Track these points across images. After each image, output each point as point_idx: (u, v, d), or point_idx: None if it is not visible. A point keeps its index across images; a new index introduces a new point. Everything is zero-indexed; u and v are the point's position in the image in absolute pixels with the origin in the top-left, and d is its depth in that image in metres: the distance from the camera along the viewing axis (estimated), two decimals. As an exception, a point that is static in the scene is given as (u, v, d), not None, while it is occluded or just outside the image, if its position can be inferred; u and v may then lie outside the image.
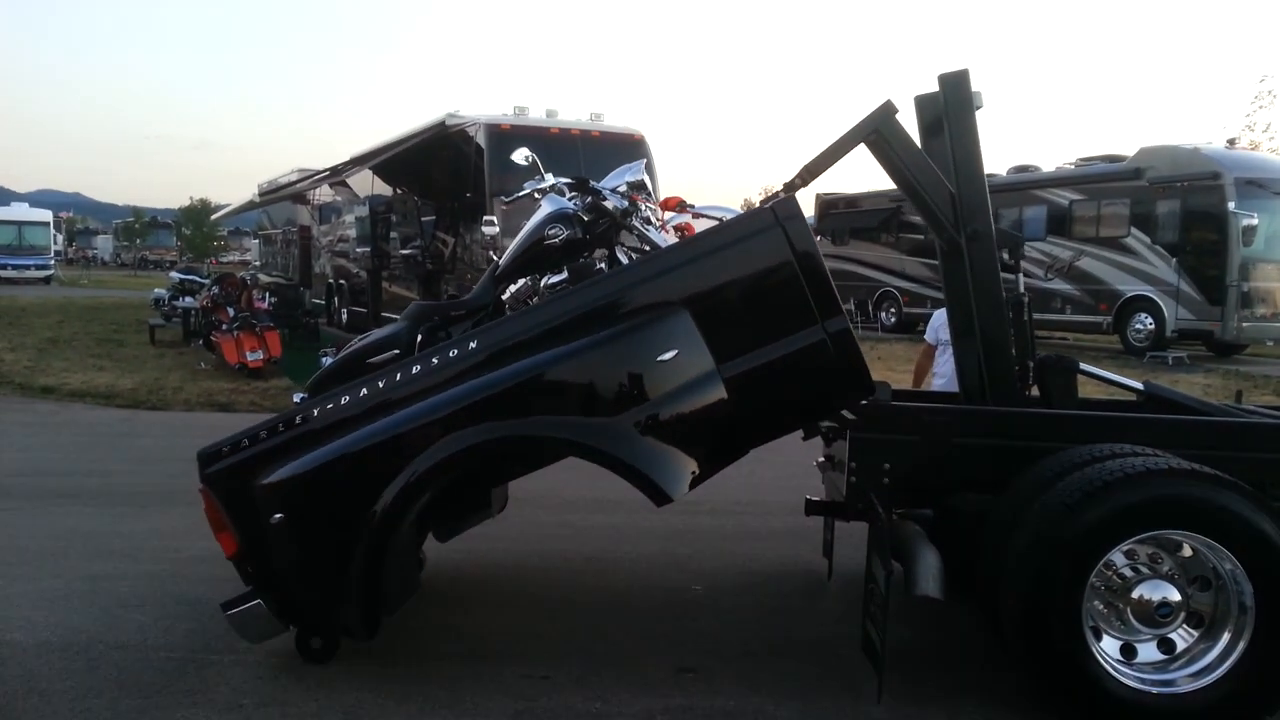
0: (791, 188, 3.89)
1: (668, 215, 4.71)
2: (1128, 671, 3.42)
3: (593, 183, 4.64)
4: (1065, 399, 4.54)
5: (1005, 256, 4.57)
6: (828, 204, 25.19)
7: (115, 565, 5.10)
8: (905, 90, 4.30)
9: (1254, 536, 3.29)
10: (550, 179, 4.70)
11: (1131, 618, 3.45)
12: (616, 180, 4.62)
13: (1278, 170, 17.81)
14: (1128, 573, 3.47)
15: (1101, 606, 3.48)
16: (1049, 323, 18.29)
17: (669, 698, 3.66)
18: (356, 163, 17.39)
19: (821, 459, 4.75)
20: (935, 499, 3.98)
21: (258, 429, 3.76)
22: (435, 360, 3.68)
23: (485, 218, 12.57)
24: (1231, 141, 21.90)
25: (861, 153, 4.16)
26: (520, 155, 4.79)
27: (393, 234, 16.88)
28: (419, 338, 4.36)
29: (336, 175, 18.90)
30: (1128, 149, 18.81)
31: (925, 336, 6.97)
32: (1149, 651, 3.48)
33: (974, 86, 4.28)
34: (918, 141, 4.29)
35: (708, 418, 3.54)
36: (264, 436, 3.72)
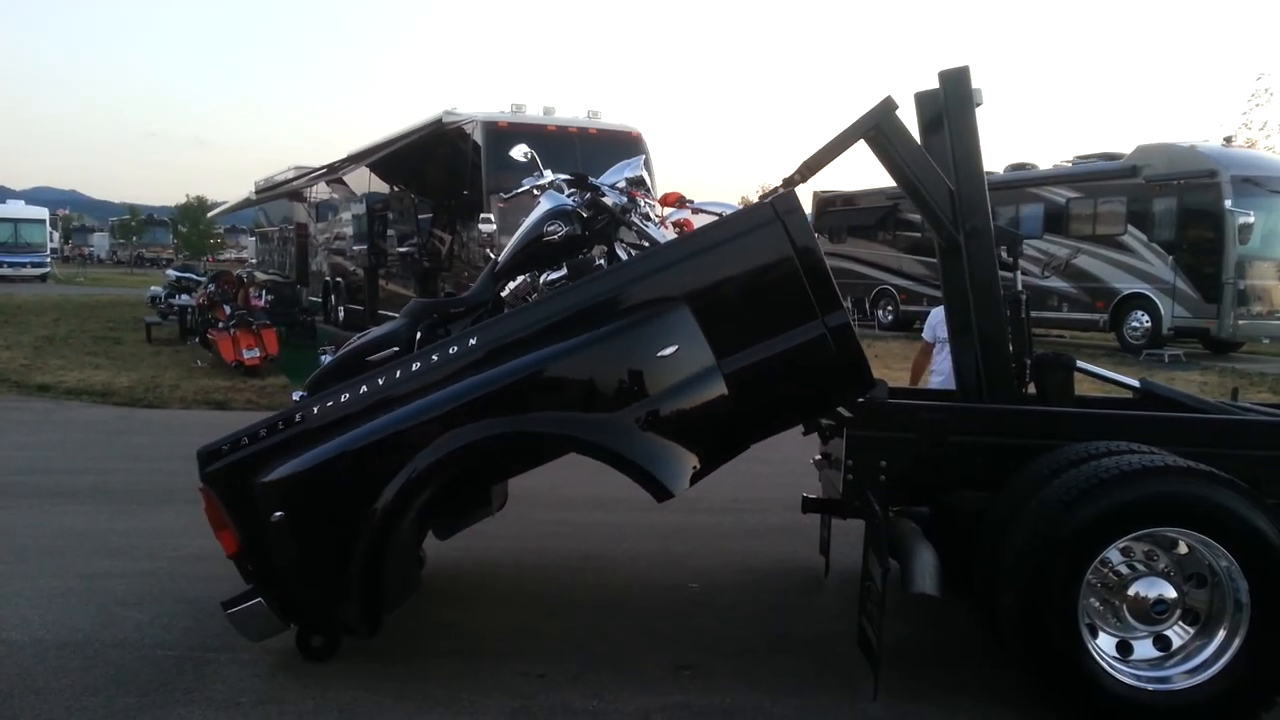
0: (791, 183, 3.89)
1: (667, 211, 4.71)
2: (1124, 668, 3.43)
3: (591, 179, 4.64)
4: (1062, 397, 4.55)
5: (1004, 254, 4.58)
6: (825, 202, 25.20)
7: (112, 563, 5.10)
8: (904, 87, 4.30)
9: (1249, 534, 3.29)
10: (549, 175, 4.70)
11: (1128, 615, 3.46)
12: (615, 176, 4.62)
13: (1274, 168, 17.84)
14: (1124, 570, 3.47)
15: (1098, 604, 3.49)
16: (1046, 320, 18.33)
17: (667, 695, 3.67)
18: (353, 160, 17.37)
19: (818, 456, 4.75)
20: (932, 496, 3.99)
21: (257, 427, 3.76)
22: (435, 357, 3.68)
23: (482, 215, 12.56)
24: (1228, 139, 21.95)
25: (860, 149, 4.16)
26: (519, 152, 4.79)
27: (390, 231, 16.87)
28: (418, 335, 4.36)
29: (333, 173, 18.89)
30: (1124, 147, 18.88)
31: (923, 334, 6.97)
32: (1145, 648, 3.49)
33: (974, 84, 4.28)
34: (917, 138, 4.29)
35: (708, 413, 3.54)
36: (264, 435, 3.71)
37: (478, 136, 13.79)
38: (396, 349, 4.30)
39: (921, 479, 3.96)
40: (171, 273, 19.69)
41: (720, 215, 4.11)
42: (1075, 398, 4.67)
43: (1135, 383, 4.77)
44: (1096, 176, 18.73)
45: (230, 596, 3.78)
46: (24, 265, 37.64)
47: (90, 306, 22.77)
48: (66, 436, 8.96)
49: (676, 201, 4.73)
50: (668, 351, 3.50)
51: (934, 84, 4.36)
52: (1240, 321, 16.66)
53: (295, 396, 4.29)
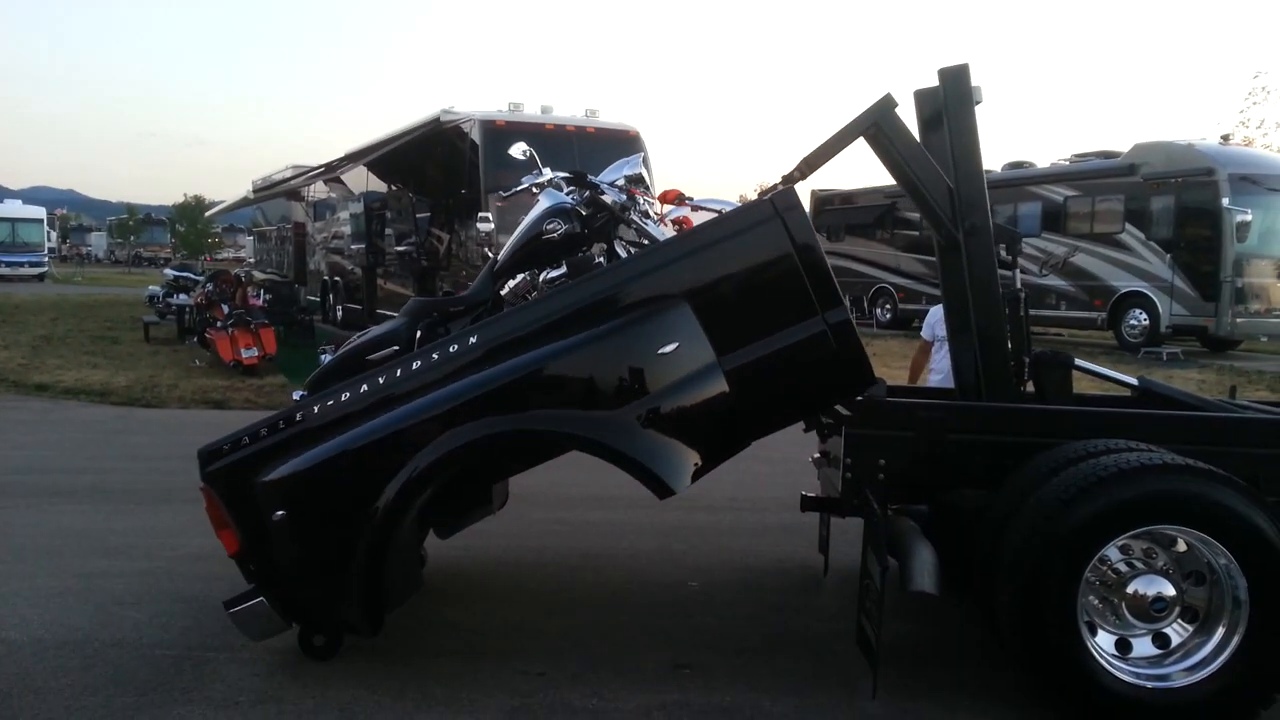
0: (790, 180, 3.89)
1: (666, 209, 4.71)
2: (1123, 666, 3.43)
3: (590, 177, 4.64)
4: (1060, 395, 4.55)
5: (1003, 252, 4.58)
6: (823, 200, 25.20)
7: (110, 563, 5.09)
8: (903, 85, 4.30)
9: (1248, 531, 3.30)
10: (548, 173, 4.70)
11: (1126, 613, 3.46)
12: (614, 174, 4.62)
13: (1272, 166, 17.85)
14: (1122, 568, 3.47)
15: (1096, 602, 3.49)
16: (1044, 319, 18.34)
17: (665, 694, 3.67)
18: (351, 159, 17.35)
19: (817, 455, 4.75)
20: (931, 495, 3.99)
21: (258, 426, 3.75)
22: (435, 356, 3.68)
23: (480, 214, 12.56)
24: (1226, 137, 21.94)
25: (859, 147, 4.16)
26: (518, 150, 4.78)
27: (388, 230, 16.86)
28: (418, 334, 4.36)
29: (331, 172, 18.87)
30: (1122, 145, 18.88)
31: (921, 333, 6.98)
32: (1144, 646, 3.49)
33: (973, 81, 4.27)
34: (917, 136, 4.29)
35: (709, 410, 3.54)
36: (264, 434, 3.71)
37: (476, 135, 13.78)
38: (396, 348, 4.30)
39: (920, 477, 3.96)
40: (169, 272, 19.67)
41: (720, 212, 4.10)
42: (1073, 396, 4.68)
43: (1133, 381, 4.77)
44: (1094, 175, 18.74)
45: (231, 596, 3.78)
46: (21, 265, 37.60)
47: (88, 306, 22.75)
48: (64, 436, 8.96)
49: (676, 199, 4.73)
50: (668, 349, 3.50)
51: (933, 82, 4.35)
52: (1238, 319, 16.67)
53: (295, 396, 4.29)
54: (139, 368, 13.05)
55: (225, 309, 13.98)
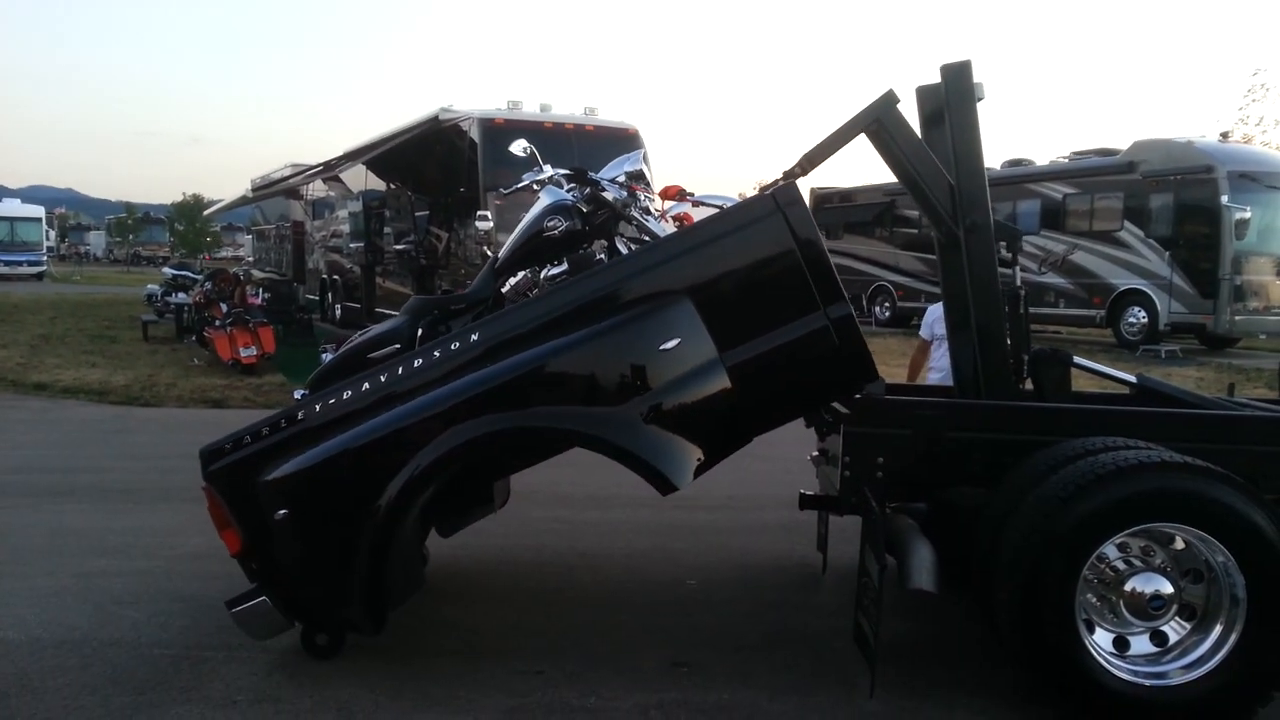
0: (791, 175, 3.88)
1: (667, 205, 4.70)
2: (1121, 664, 3.43)
3: (591, 174, 4.63)
4: (1059, 392, 4.55)
5: (1003, 250, 4.57)
6: (822, 198, 25.18)
7: (108, 562, 5.09)
8: (904, 82, 4.29)
9: (1246, 529, 3.29)
10: (548, 170, 4.69)
11: (1124, 610, 3.46)
12: (615, 171, 4.61)
13: (1271, 164, 17.84)
14: (1120, 566, 3.47)
15: (1094, 599, 3.49)
16: (1042, 316, 18.33)
17: (663, 692, 3.67)
18: (350, 158, 17.34)
19: (815, 453, 4.75)
20: (929, 493, 3.99)
21: (259, 425, 3.75)
22: (437, 354, 3.67)
23: (479, 212, 12.54)
24: (1225, 135, 21.98)
25: (860, 145, 4.15)
26: (518, 147, 4.77)
27: (386, 229, 16.85)
28: (419, 332, 4.35)
29: (330, 170, 18.85)
30: (1121, 142, 18.87)
31: (920, 332, 6.97)
32: (1142, 644, 3.49)
33: (975, 78, 4.27)
34: (918, 132, 4.28)
35: (711, 406, 3.54)
36: (266, 433, 3.71)
37: (474, 133, 13.77)
38: (398, 346, 4.30)
39: (919, 475, 3.96)
40: (168, 271, 19.66)
41: (721, 208, 4.10)
42: (1072, 394, 4.67)
43: (1132, 378, 4.77)
44: (1093, 172, 18.73)
45: (234, 595, 3.77)
46: (20, 264, 37.57)
47: (86, 305, 22.74)
48: (63, 435, 8.95)
49: (677, 195, 4.73)
50: (670, 345, 3.49)
51: (935, 78, 4.34)
52: (1237, 317, 16.67)
53: (297, 395, 4.28)
54: (137, 367, 13.04)
55: (224, 308, 13.98)
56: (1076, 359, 4.64)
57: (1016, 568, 3.38)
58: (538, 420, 3.51)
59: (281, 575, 3.69)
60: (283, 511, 3.57)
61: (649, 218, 4.53)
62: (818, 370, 3.72)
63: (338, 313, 20.09)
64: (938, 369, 6.48)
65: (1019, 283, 4.75)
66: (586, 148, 13.05)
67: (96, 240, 70.63)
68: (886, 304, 23.28)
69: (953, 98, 4.27)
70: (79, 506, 6.27)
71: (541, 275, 4.48)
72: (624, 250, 4.41)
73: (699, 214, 4.48)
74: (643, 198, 4.58)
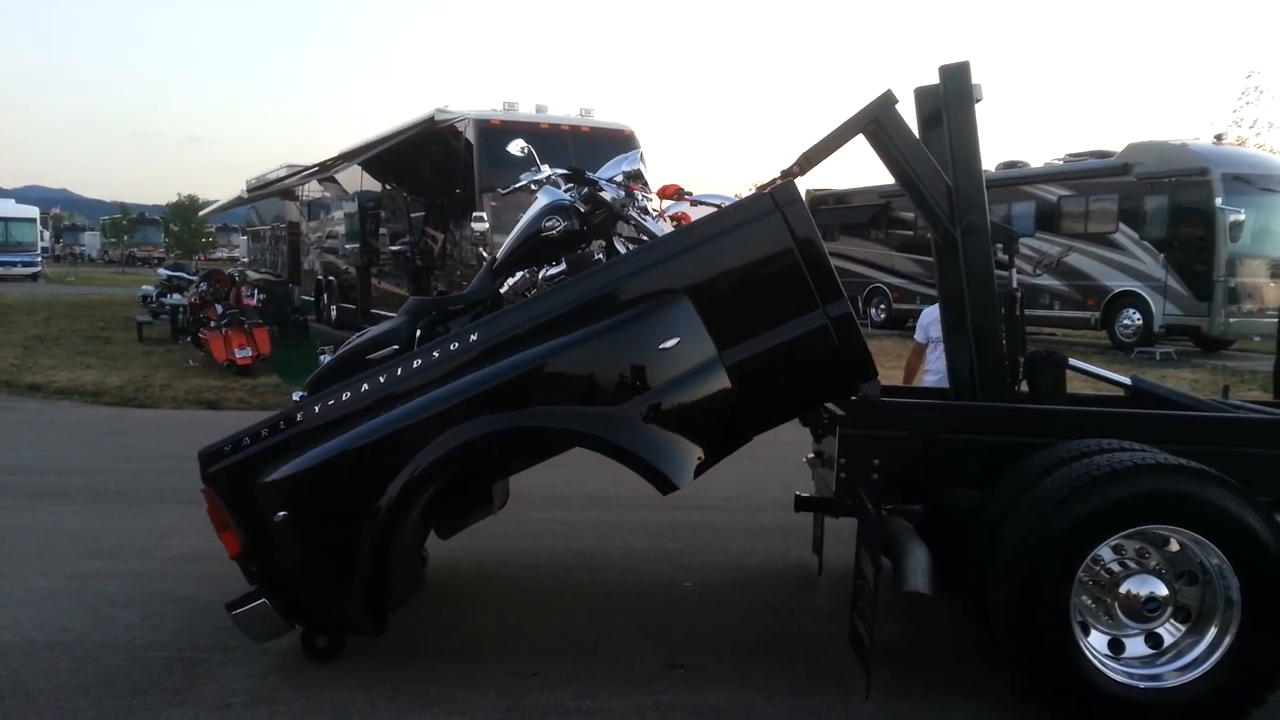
0: (789, 175, 3.88)
1: (666, 204, 4.70)
2: (1115, 666, 3.43)
3: (589, 174, 4.63)
4: (1054, 394, 4.55)
5: (999, 252, 4.58)
6: (817, 200, 25.20)
7: (102, 564, 5.08)
8: (899, 83, 4.28)
9: (1240, 531, 3.30)
10: (546, 170, 4.68)
11: (1119, 613, 3.46)
12: (613, 170, 4.61)
13: (1265, 166, 17.90)
14: (1115, 568, 3.48)
15: (1089, 601, 3.50)
16: (1037, 318, 18.36)
17: (659, 694, 3.66)
18: (345, 158, 17.33)
19: (811, 455, 4.75)
20: (924, 494, 3.99)
21: (259, 427, 3.74)
22: (436, 354, 3.67)
23: (475, 213, 12.54)
24: (1219, 137, 22.00)
25: (856, 145, 4.15)
26: (516, 147, 4.77)
27: (382, 230, 16.83)
28: (418, 333, 4.35)
29: (325, 171, 18.83)
30: (1116, 145, 18.90)
31: (915, 336, 6.98)
32: (1137, 646, 3.49)
33: (973, 79, 4.27)
34: (916, 133, 4.28)
35: (711, 405, 3.54)
36: (265, 435, 3.70)
37: (470, 134, 13.77)
38: (396, 347, 4.30)
39: (914, 477, 3.96)
40: (163, 272, 19.63)
41: (719, 207, 4.10)
42: (1067, 395, 4.68)
43: (1127, 380, 4.78)
44: (1088, 174, 18.77)
45: (233, 598, 3.76)
46: (14, 264, 37.49)
47: (81, 306, 22.69)
48: (57, 436, 8.94)
49: (675, 194, 4.73)
50: (669, 344, 3.49)
51: (933, 79, 4.35)
52: (1231, 319, 16.71)
53: (296, 396, 4.28)
54: (132, 368, 13.01)
55: (219, 309, 13.96)
56: (1072, 361, 4.65)
57: (1012, 570, 3.38)
58: (537, 420, 3.50)
59: (281, 577, 3.68)
60: (282, 513, 3.56)
61: (647, 217, 4.52)
62: (817, 369, 3.72)
63: (333, 314, 20.07)
64: (934, 371, 6.48)
65: (1015, 285, 4.76)
66: (582, 149, 13.05)
67: (91, 241, 70.50)
68: (882, 306, 23.31)
69: (951, 99, 4.28)
70: (73, 508, 6.26)
71: (540, 275, 4.47)
72: (622, 250, 4.40)
73: (697, 213, 4.48)
74: (641, 197, 4.58)
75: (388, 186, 17.12)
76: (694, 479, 3.50)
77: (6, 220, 39.01)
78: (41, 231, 44.84)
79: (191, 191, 74.30)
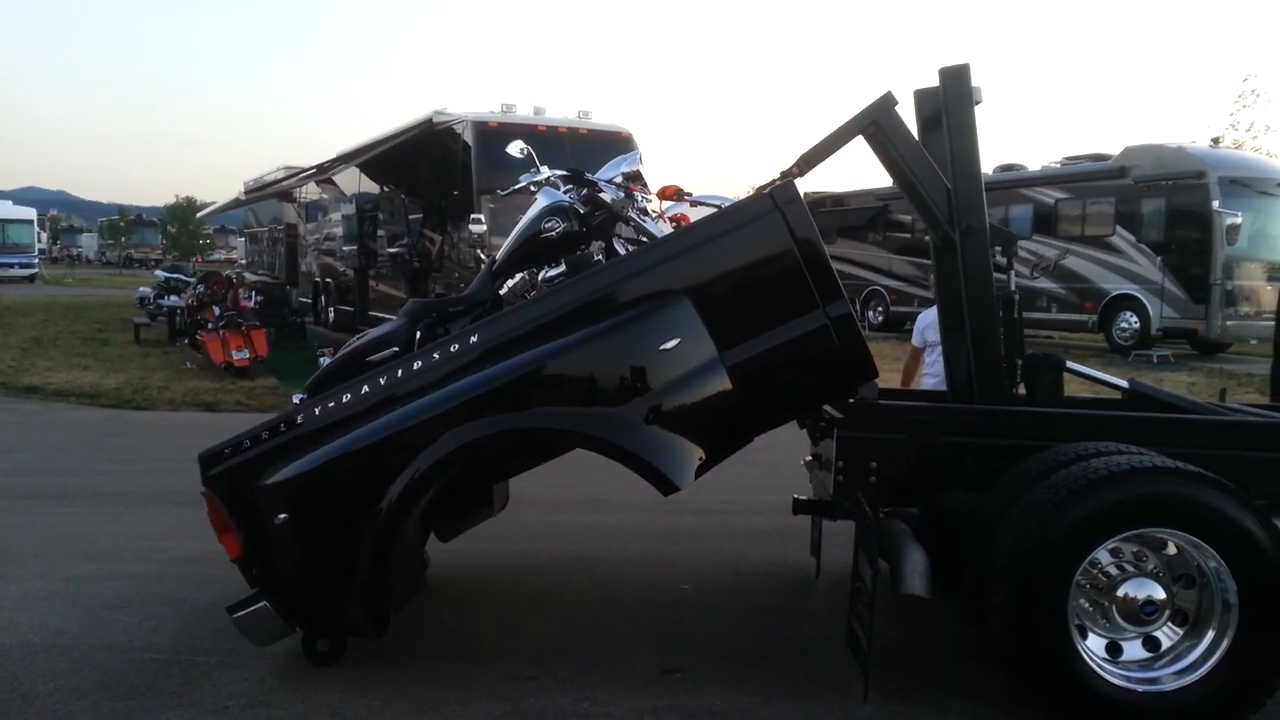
0: (789, 176, 3.88)
1: (665, 205, 4.70)
2: (1113, 669, 3.43)
3: (588, 175, 4.63)
4: (1051, 397, 4.56)
5: (998, 255, 4.58)
6: (815, 203, 25.21)
7: (100, 566, 5.07)
8: (899, 84, 4.28)
9: (1238, 534, 3.30)
10: (545, 171, 4.68)
11: (1117, 616, 3.47)
12: (612, 172, 4.61)
13: (1262, 169, 17.93)
14: (1113, 571, 3.48)
15: (1087, 605, 3.50)
16: (1035, 321, 18.37)
17: (656, 698, 3.66)
18: (343, 160, 17.31)
19: (809, 458, 4.75)
20: (922, 497, 3.99)
21: (259, 430, 3.73)
22: (436, 356, 3.66)
23: (473, 216, 12.53)
24: (1216, 140, 22.05)
25: (854, 147, 4.15)
26: (515, 148, 4.77)
27: (380, 232, 16.81)
28: (418, 334, 4.35)
29: (323, 173, 18.81)
30: (1113, 148, 18.93)
31: (912, 340, 6.98)
32: (1134, 649, 3.49)
33: (973, 82, 4.27)
34: (916, 135, 4.28)
35: (712, 405, 3.54)
36: (265, 437, 3.69)
37: (468, 136, 13.76)
38: (396, 349, 4.29)
39: (912, 480, 3.96)
40: (160, 273, 19.62)
41: (719, 207, 4.10)
42: (1064, 398, 4.69)
43: (1124, 383, 4.79)
44: (1085, 177, 18.79)
45: (234, 601, 3.75)
46: (11, 266, 37.45)
47: (78, 307, 22.66)
48: (54, 438, 8.92)
49: (674, 195, 4.73)
50: (670, 345, 3.49)
51: (931, 82, 4.35)
52: (1228, 322, 16.73)
53: (296, 399, 4.27)
54: (129, 370, 13.00)
55: (216, 311, 13.95)
56: (1069, 364, 4.66)
57: (1009, 573, 3.38)
58: (538, 422, 3.50)
59: (282, 580, 3.67)
60: (283, 516, 3.55)
61: (646, 218, 4.52)
62: (818, 369, 3.72)
63: (331, 316, 20.05)
64: (932, 375, 6.48)
65: (1013, 287, 4.76)
66: (580, 151, 13.04)
67: (89, 242, 70.44)
68: (880, 308, 23.32)
69: (951, 101, 4.28)
70: (70, 510, 6.25)
71: (540, 277, 4.47)
72: (622, 251, 4.40)
73: (696, 214, 4.48)
74: (640, 198, 4.58)
75: (385, 188, 17.10)
76: (695, 479, 3.50)
77: (4, 222, 38.99)
78: (39, 233, 44.80)
79: (189, 193, 74.28)
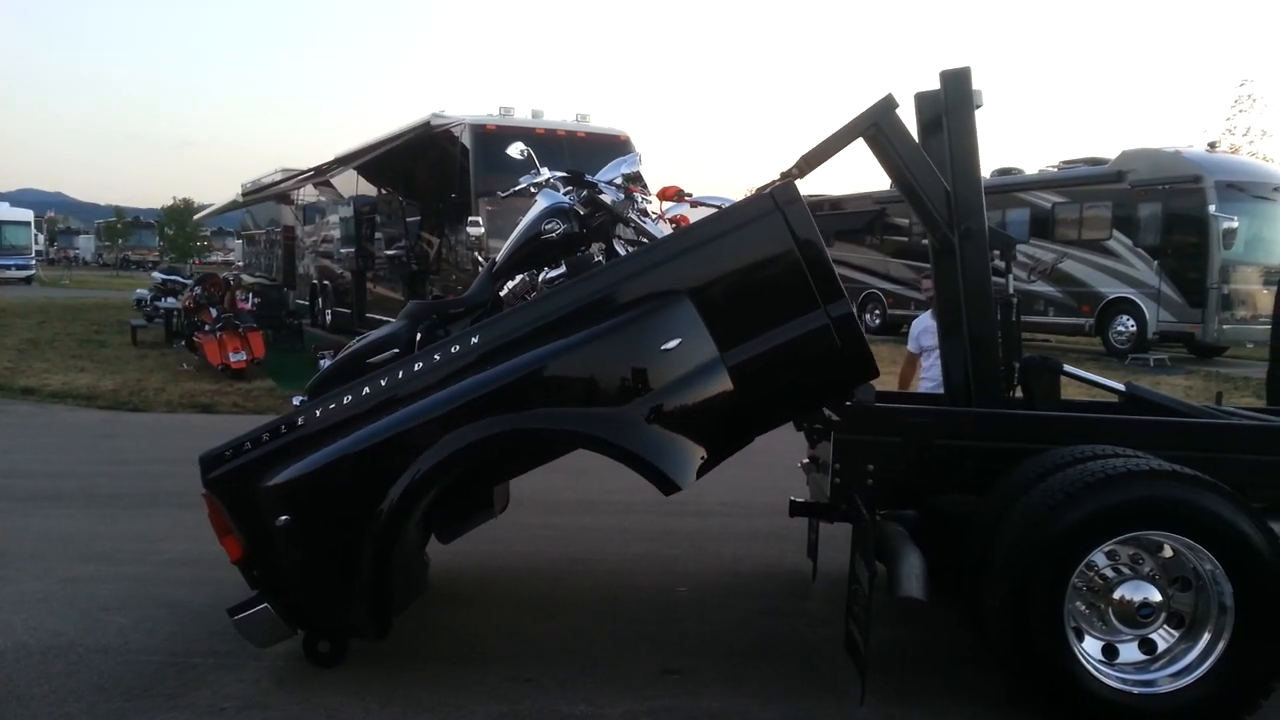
0: (789, 177, 3.89)
1: (665, 206, 4.70)
2: (1109, 672, 3.44)
3: (588, 176, 4.63)
4: (1048, 400, 4.57)
5: (997, 258, 4.59)
6: (812, 206, 25.15)
7: (96, 567, 5.06)
8: (899, 87, 4.29)
9: (1234, 537, 3.31)
10: (545, 173, 4.68)
11: (1113, 618, 3.47)
12: (612, 173, 4.61)
13: (1258, 174, 17.96)
14: (1109, 573, 3.49)
15: (1083, 607, 3.50)
16: (1032, 324, 18.37)
17: (654, 699, 3.66)
18: (341, 163, 17.31)
19: (806, 460, 4.75)
20: (919, 500, 3.99)
21: (259, 432, 3.73)
22: (437, 357, 3.66)
23: (470, 218, 12.53)
24: (1212, 145, 22.11)
25: (854, 149, 4.15)
26: (515, 149, 4.77)
27: (377, 234, 16.81)
28: (418, 336, 4.35)
29: (320, 175, 18.81)
30: (1110, 152, 18.96)
31: (907, 345, 6.99)
32: (1130, 652, 3.50)
33: (974, 85, 4.28)
34: (916, 138, 4.29)
35: (713, 405, 3.54)
36: (266, 439, 3.69)
37: (466, 139, 13.76)
38: (397, 350, 4.29)
39: (909, 482, 3.97)
40: (157, 275, 19.59)
41: (719, 208, 4.10)
42: (1062, 401, 4.69)
43: (1121, 387, 4.80)
44: (1082, 181, 18.82)
45: (235, 603, 3.75)
46: (8, 268, 37.41)
47: (75, 309, 22.63)
48: (51, 440, 8.91)
49: (675, 195, 4.73)
50: (671, 345, 3.49)
51: (932, 85, 4.36)
52: (1225, 326, 16.75)
53: (296, 401, 4.27)
54: (126, 371, 12.98)
55: (213, 312, 13.93)
56: (1066, 367, 4.67)
57: (1006, 575, 3.39)
58: (539, 422, 3.50)
59: (283, 582, 3.67)
60: (284, 517, 3.55)
61: (646, 219, 4.53)
62: (819, 368, 3.73)
63: (328, 318, 20.04)
64: (929, 378, 6.50)
65: (1011, 290, 4.77)
66: (578, 154, 13.05)
67: (86, 244, 70.34)
68: (877, 311, 23.33)
69: (952, 104, 4.29)
70: (66, 511, 6.24)
71: (540, 278, 4.47)
72: (622, 252, 4.40)
73: (696, 215, 4.49)
74: (640, 199, 4.58)
75: (383, 191, 17.10)
76: (697, 479, 3.50)
77: (0, 223, 38.92)
78: (36, 235, 44.75)
79: (187, 195, 74.28)
